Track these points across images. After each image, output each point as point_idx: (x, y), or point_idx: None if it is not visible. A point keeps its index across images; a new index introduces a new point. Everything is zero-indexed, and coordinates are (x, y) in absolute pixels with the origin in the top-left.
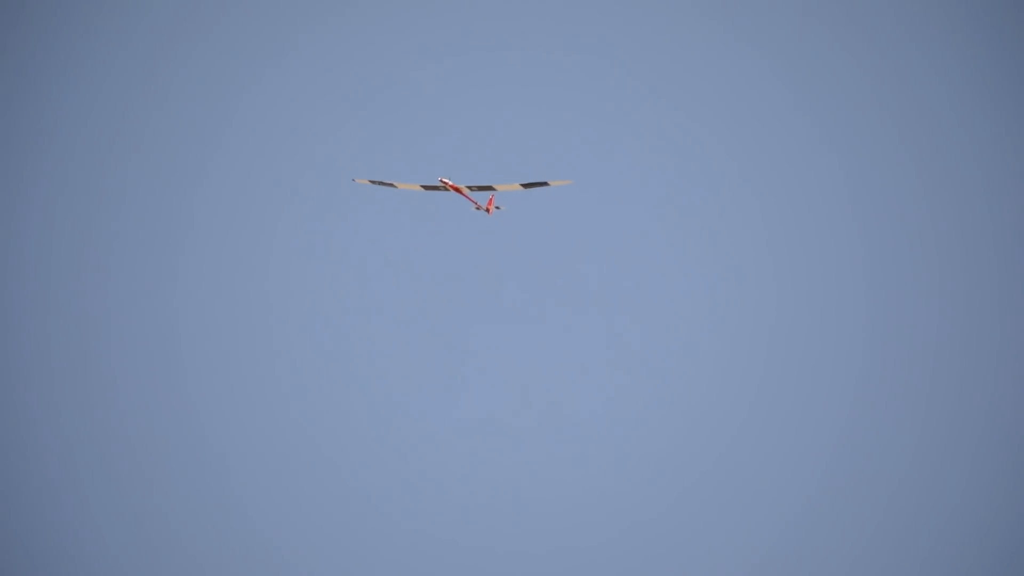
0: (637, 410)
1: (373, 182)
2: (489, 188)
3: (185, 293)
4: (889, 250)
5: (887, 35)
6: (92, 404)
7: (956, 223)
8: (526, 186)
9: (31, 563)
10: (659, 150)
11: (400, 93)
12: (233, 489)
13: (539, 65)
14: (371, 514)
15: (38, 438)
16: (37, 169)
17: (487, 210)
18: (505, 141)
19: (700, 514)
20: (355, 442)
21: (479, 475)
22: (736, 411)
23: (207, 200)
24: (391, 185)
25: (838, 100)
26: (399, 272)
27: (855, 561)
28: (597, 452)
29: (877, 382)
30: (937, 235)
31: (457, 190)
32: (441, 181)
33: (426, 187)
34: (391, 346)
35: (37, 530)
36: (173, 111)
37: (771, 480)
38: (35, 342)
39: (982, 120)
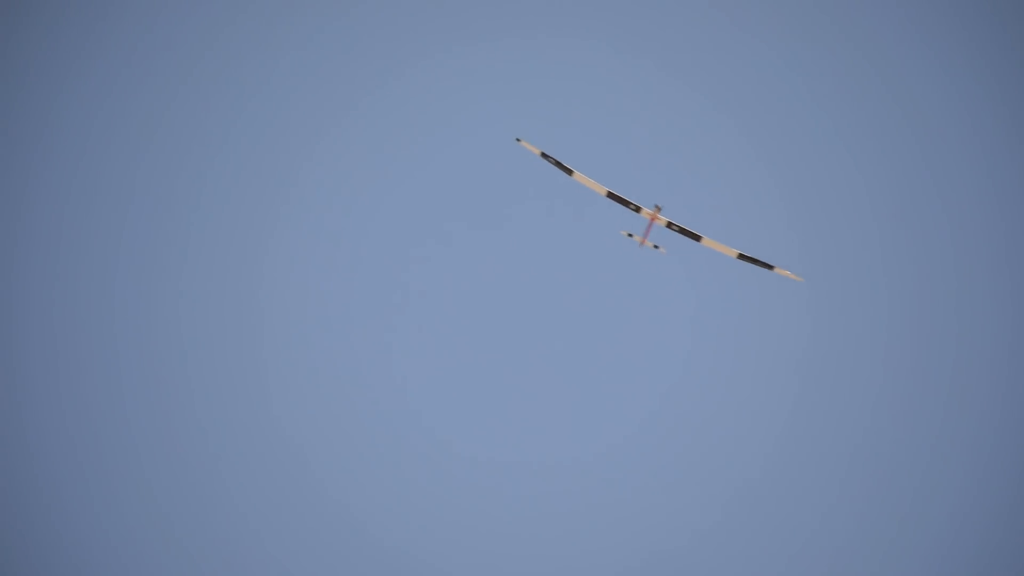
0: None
1: (545, 156)
2: (695, 237)
3: (199, 295)
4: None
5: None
6: (95, 406)
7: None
8: (744, 258)
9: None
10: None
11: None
12: (245, 501)
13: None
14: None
15: (35, 439)
16: (37, 169)
17: (642, 241)
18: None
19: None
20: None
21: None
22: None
23: (224, 194)
24: (567, 170)
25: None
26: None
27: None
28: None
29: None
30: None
31: (653, 219)
32: (656, 208)
33: (613, 196)
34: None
35: (35, 531)
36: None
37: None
38: (34, 343)
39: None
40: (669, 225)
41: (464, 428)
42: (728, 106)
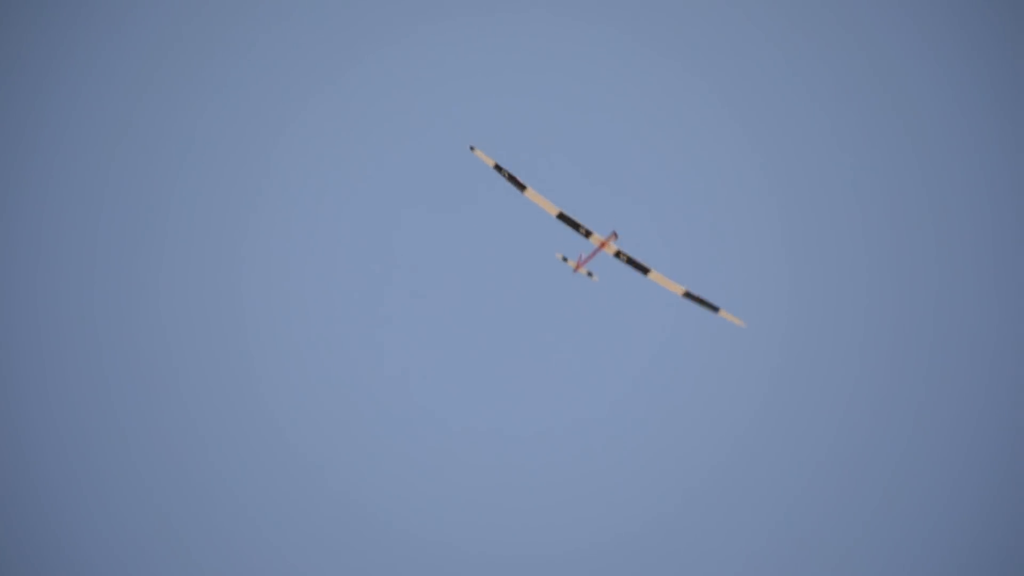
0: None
1: (499, 168)
2: (643, 270)
3: (197, 294)
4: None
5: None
6: (86, 408)
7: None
8: (689, 296)
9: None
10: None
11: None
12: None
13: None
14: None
15: (29, 440)
16: (17, 170)
17: (576, 266)
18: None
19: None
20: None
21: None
22: (739, 416)
23: (220, 192)
24: (520, 186)
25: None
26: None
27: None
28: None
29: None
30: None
31: (603, 246)
32: (612, 235)
33: (563, 217)
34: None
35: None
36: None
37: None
38: (26, 342)
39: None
40: (618, 254)
41: (454, 407)
42: (720, 134)
